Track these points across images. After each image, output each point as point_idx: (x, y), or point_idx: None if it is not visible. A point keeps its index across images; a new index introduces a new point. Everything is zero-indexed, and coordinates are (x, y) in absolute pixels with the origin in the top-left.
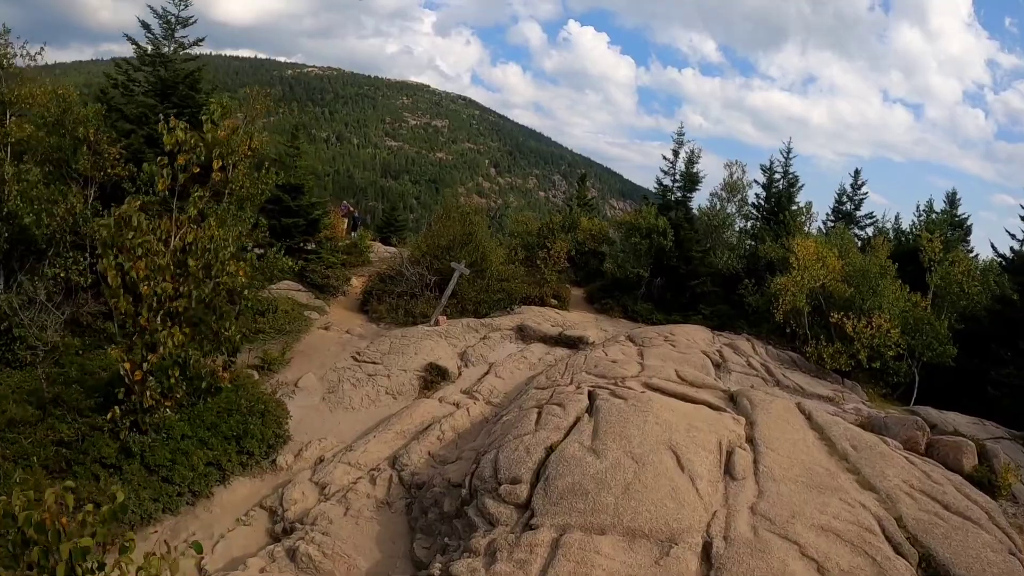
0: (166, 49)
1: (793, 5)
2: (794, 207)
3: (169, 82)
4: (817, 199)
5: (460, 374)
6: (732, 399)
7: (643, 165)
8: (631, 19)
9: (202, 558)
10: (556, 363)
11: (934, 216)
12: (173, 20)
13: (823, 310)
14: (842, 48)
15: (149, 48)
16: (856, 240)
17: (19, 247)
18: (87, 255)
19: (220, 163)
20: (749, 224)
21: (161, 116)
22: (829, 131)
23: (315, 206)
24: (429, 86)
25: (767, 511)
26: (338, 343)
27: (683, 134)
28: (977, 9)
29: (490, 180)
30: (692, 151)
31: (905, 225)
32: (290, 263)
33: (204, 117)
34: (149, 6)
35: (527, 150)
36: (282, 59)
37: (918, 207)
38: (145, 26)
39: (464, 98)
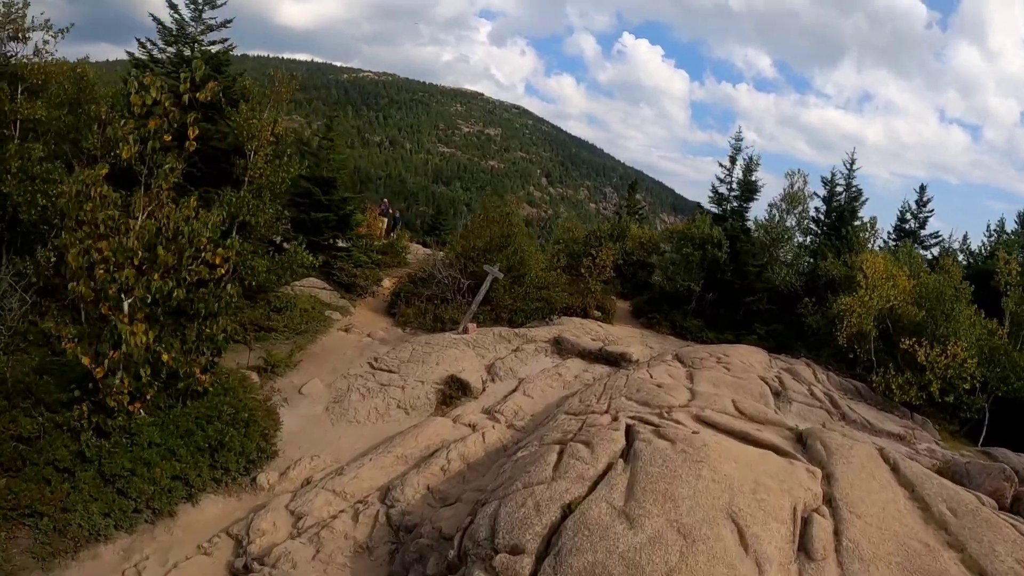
0: (191, 29)
1: (850, 22)
2: (857, 222)
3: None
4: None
5: (484, 390)
6: (801, 440)
7: (695, 180)
8: (686, 33)
9: None
10: (594, 383)
11: (1005, 237)
12: (201, 1)
13: (890, 335)
14: (899, 66)
15: (174, 28)
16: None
17: (16, 228)
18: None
19: (195, 131)
20: (808, 239)
21: (131, 76)
22: (885, 150)
23: (347, 201)
24: (483, 94)
25: None
26: (356, 347)
27: (741, 140)
28: None
29: (541, 190)
30: (750, 158)
31: (973, 246)
32: (310, 258)
33: (184, 75)
34: None
35: (579, 161)
36: (339, 63)
37: (988, 227)
38: (172, 5)
39: (518, 107)
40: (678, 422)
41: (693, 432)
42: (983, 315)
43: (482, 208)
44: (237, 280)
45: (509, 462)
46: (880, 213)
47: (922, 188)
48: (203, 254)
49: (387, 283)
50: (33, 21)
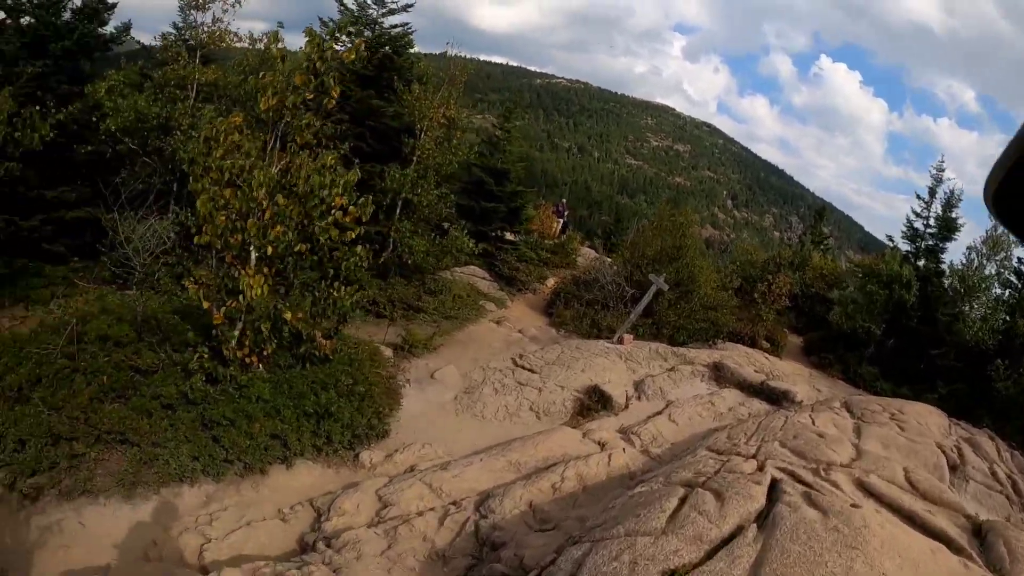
0: (373, 12)
1: None
2: None
3: (371, 44)
4: None
5: (627, 407)
6: (979, 534)
7: (885, 216)
8: (886, 58)
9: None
10: (748, 419)
11: None
12: None
13: None
14: None
15: (356, 10)
16: None
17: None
18: None
19: (339, 90)
20: (1007, 293)
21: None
22: None
23: (519, 195)
24: (674, 109)
25: None
26: (504, 341)
27: (943, 170)
28: None
29: (725, 212)
30: (951, 192)
31: None
32: (470, 244)
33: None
34: None
35: (767, 186)
36: (534, 68)
37: None
38: None
39: (708, 125)
40: (836, 485)
41: (852, 504)
42: None
43: (656, 216)
44: (394, 256)
45: (624, 496)
46: None
47: None
48: (333, 213)
49: (550, 282)
50: None
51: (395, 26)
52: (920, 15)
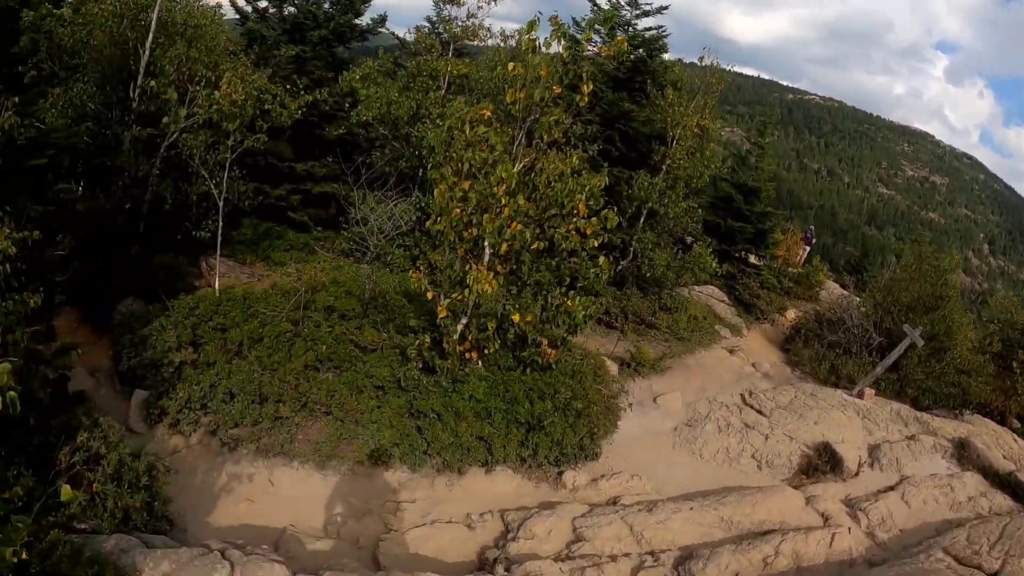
0: (627, 13)
1: None
2: None
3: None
4: None
5: (857, 474)
6: None
7: None
8: None
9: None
10: (990, 518)
11: None
12: None
13: None
14: None
15: (609, 10)
16: None
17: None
18: None
19: (591, 86)
20: None
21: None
22: None
23: (768, 216)
24: (932, 136)
25: None
26: (735, 372)
27: None
28: None
29: (980, 258)
30: None
31: None
32: (714, 264)
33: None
34: None
35: None
36: (784, 83)
37: None
38: None
39: (969, 157)
40: None
41: None
42: None
43: (914, 257)
44: (633, 266)
45: None
46: None
47: None
48: (574, 220)
49: (790, 314)
50: None
51: (649, 28)
52: None
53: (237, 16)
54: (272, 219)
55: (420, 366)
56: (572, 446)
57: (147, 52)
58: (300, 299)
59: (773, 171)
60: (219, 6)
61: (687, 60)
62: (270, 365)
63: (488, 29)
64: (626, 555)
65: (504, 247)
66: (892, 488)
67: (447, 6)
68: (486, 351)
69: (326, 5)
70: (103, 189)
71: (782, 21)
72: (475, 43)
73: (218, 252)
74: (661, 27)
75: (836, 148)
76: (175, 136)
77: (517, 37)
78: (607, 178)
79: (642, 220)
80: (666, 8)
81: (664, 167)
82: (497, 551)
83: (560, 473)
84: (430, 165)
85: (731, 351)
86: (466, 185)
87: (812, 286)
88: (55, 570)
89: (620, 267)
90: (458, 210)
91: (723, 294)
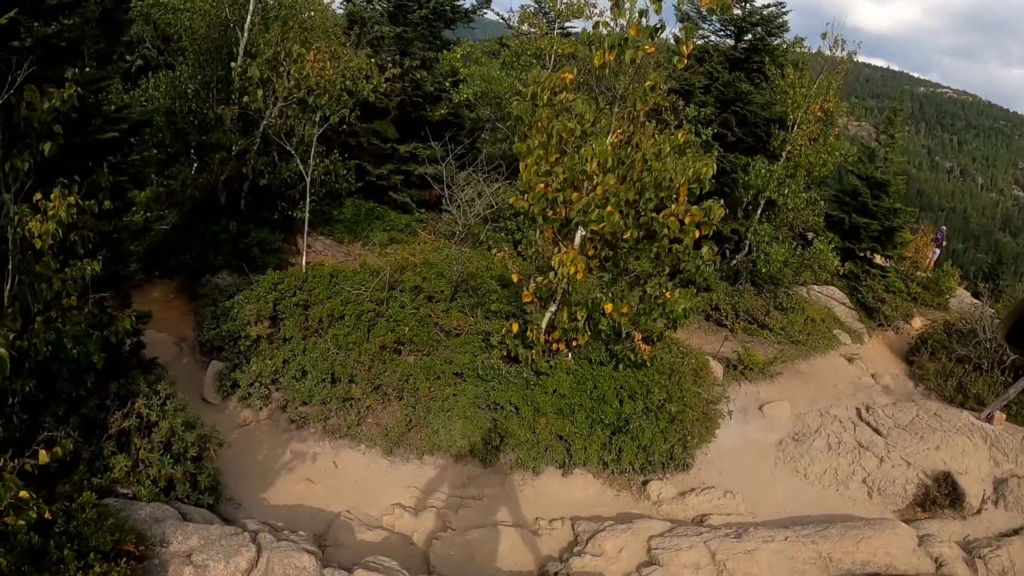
0: None
1: None
2: None
3: (741, 24)
4: None
5: (980, 511)
6: None
7: None
8: None
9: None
10: None
11: None
12: None
13: None
14: None
15: None
16: None
17: None
18: None
19: (692, 45)
20: None
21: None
22: None
23: (897, 213)
24: None
25: None
26: (851, 384)
27: None
28: None
29: None
30: None
31: None
32: (835, 262)
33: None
34: None
35: None
36: (915, 74)
37: None
38: None
39: None
40: None
41: None
42: None
43: None
44: (747, 260)
45: None
46: None
47: None
48: (673, 205)
49: (916, 322)
50: None
51: (767, 5)
52: None
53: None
54: (374, 200)
55: (503, 355)
56: (661, 453)
57: (245, 34)
58: (385, 278)
59: (904, 164)
60: None
61: (813, 51)
62: (346, 345)
63: (594, 6)
64: None
65: (596, 227)
66: (1017, 532)
67: None
68: (575, 343)
69: None
70: (207, 168)
71: (912, 8)
72: (581, 21)
73: (306, 228)
74: (781, 3)
75: (969, 146)
76: (274, 109)
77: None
78: (722, 164)
79: (759, 211)
80: None
81: (784, 154)
82: (560, 564)
83: (645, 482)
84: (517, 138)
85: (849, 359)
86: (553, 159)
87: (942, 293)
88: (77, 532)
89: (734, 261)
90: (542, 185)
91: (844, 296)
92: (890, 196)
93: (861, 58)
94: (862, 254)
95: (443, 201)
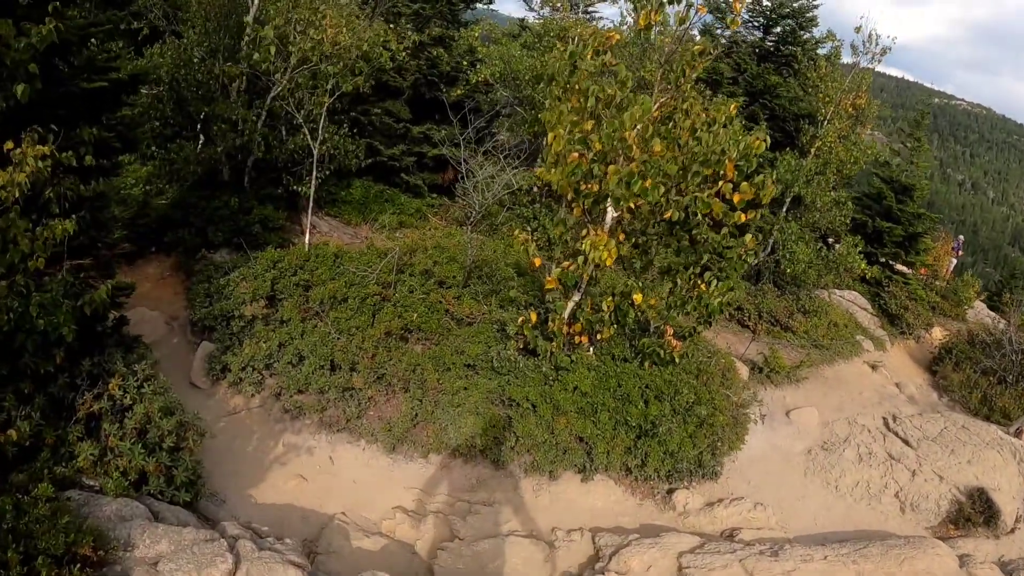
0: None
1: None
2: None
3: (772, 15)
4: None
5: (1014, 531)
6: None
7: None
8: None
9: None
10: None
11: None
12: None
13: None
14: None
15: None
16: None
17: None
18: None
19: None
20: None
21: None
22: None
23: (921, 219)
24: None
25: None
26: (876, 392)
27: None
28: None
29: None
30: None
31: None
32: (863, 264)
33: None
34: None
35: None
36: (930, 85)
37: None
38: None
39: None
40: None
41: None
42: None
43: None
44: (771, 260)
45: None
46: None
47: None
48: (720, 184)
49: (936, 332)
50: None
51: None
52: None
53: None
54: (384, 182)
55: (520, 347)
56: (689, 460)
57: (256, 1)
58: (393, 260)
59: (927, 169)
60: None
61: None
62: (348, 329)
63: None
64: None
65: (630, 205)
66: None
67: None
68: (599, 336)
69: None
70: (211, 140)
71: (933, 20)
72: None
73: (311, 203)
74: None
75: (982, 159)
76: (285, 76)
77: None
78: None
79: (784, 208)
80: None
81: (812, 150)
82: None
83: (670, 491)
84: (547, 103)
85: (873, 367)
86: (588, 126)
87: (960, 303)
88: (27, 530)
89: (756, 261)
90: (576, 155)
91: (866, 302)
92: (915, 201)
93: (878, 68)
94: (884, 260)
95: (456, 185)
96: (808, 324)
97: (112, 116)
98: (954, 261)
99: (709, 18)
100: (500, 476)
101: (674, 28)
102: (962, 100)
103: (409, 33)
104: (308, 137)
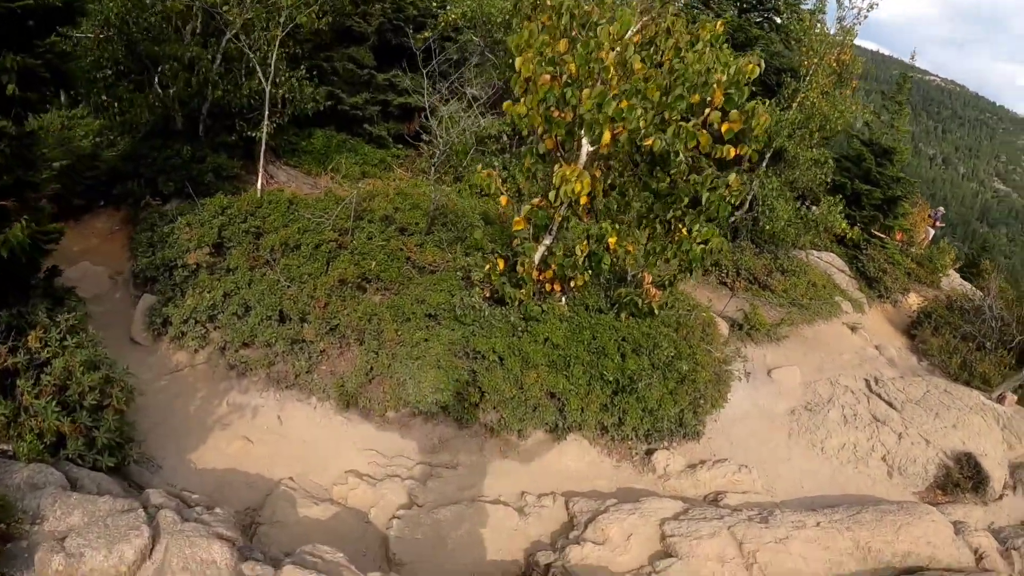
0: None
1: None
2: None
3: None
4: None
5: (1000, 497)
6: None
7: None
8: None
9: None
10: None
11: None
12: None
13: None
14: None
15: None
16: None
17: None
18: None
19: None
20: None
21: None
22: None
23: (900, 183)
24: None
25: None
26: (857, 354)
27: None
28: None
29: None
30: None
31: None
32: (843, 224)
33: None
34: None
35: None
36: (905, 59)
37: None
38: None
39: None
40: None
41: None
42: None
43: None
44: (749, 216)
45: None
46: None
47: None
48: (707, 112)
49: (912, 297)
50: None
51: None
52: None
53: None
54: (347, 132)
55: (486, 295)
56: (670, 419)
57: None
58: (351, 206)
59: (906, 134)
60: None
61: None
62: (299, 277)
63: None
64: None
65: (607, 135)
66: None
67: None
68: (572, 284)
69: None
70: (164, 87)
71: None
72: None
73: (263, 146)
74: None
75: (954, 136)
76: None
77: None
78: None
79: (764, 162)
80: None
81: (795, 104)
82: (553, 555)
83: (649, 452)
84: (515, 19)
85: (852, 328)
86: (562, 46)
87: (936, 270)
88: None
89: (734, 217)
90: (547, 77)
91: (844, 264)
92: (895, 164)
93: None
94: (863, 223)
95: (422, 134)
96: (787, 283)
97: (41, 44)
98: (932, 231)
99: None
100: (464, 436)
101: None
102: (936, 76)
103: None
104: (261, 77)
